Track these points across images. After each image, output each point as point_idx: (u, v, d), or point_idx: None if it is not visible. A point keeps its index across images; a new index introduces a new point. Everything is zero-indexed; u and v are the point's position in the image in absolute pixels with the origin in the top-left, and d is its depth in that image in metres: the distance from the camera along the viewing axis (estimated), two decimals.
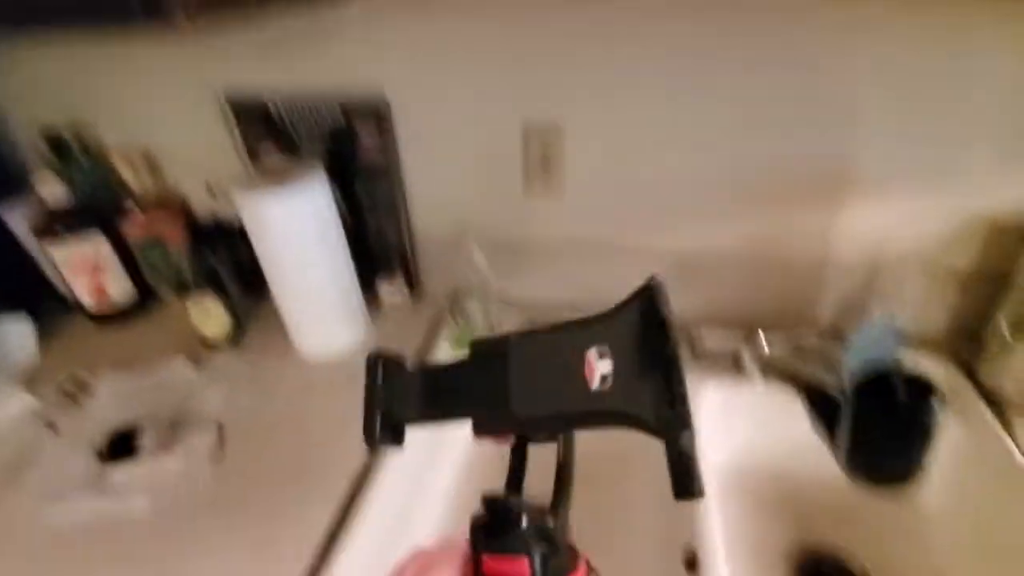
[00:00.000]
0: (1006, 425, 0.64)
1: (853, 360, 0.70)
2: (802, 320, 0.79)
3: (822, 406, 0.55)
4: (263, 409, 0.71)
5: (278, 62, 0.75)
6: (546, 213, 0.79)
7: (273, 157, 0.81)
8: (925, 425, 0.41)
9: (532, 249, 0.82)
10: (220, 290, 0.79)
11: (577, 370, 0.27)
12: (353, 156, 0.78)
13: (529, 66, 0.69)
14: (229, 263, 0.89)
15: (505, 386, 0.29)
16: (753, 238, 0.75)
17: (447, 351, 0.80)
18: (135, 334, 0.88)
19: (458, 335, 0.79)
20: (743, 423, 0.74)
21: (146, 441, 0.65)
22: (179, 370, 0.77)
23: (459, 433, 0.81)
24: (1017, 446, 0.61)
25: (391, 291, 0.82)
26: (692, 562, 0.54)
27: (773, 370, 0.73)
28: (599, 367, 0.27)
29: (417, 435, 0.33)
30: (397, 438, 0.33)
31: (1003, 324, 0.61)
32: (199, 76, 0.80)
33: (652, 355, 0.26)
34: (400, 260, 0.88)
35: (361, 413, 0.33)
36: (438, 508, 0.73)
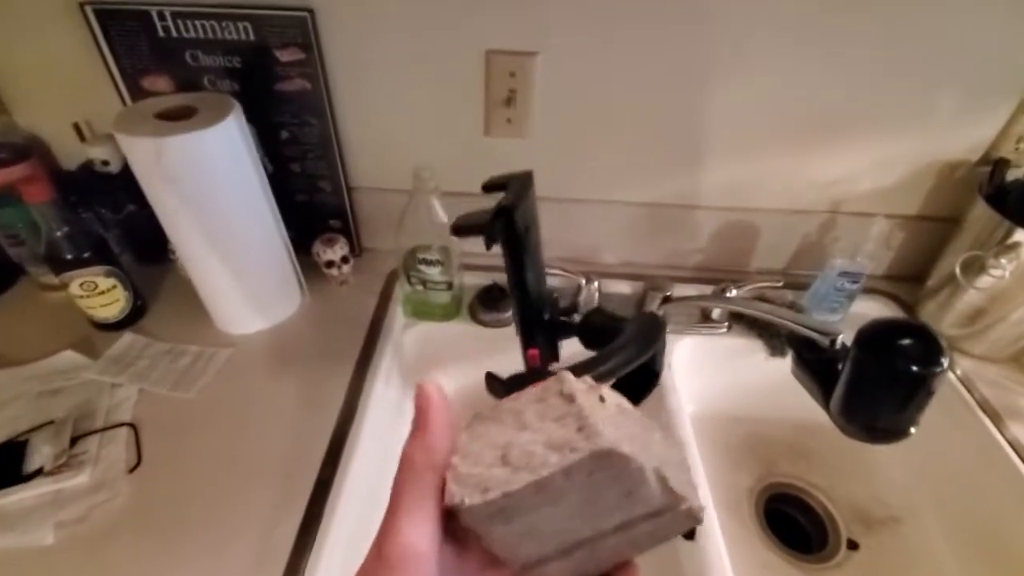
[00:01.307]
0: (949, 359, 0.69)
1: (813, 307, 0.73)
2: (765, 269, 0.80)
3: (807, 355, 0.54)
4: (183, 401, 0.59)
5: None
6: (509, 155, 0.70)
7: (162, 86, 0.64)
8: (929, 383, 0.41)
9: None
10: (109, 259, 0.64)
11: None
12: (269, 85, 0.64)
13: None
14: (115, 224, 0.72)
15: None
16: (724, 189, 0.72)
17: (400, 318, 0.72)
18: (2, 325, 0.69)
19: (414, 298, 0.70)
20: (711, 372, 0.74)
21: (38, 458, 0.52)
22: (69, 364, 0.62)
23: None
24: (959, 380, 0.67)
25: (329, 252, 0.71)
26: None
27: (741, 320, 0.73)
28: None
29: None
30: None
31: (958, 265, 0.64)
32: None
33: None
34: (338, 215, 0.76)
35: None
36: None
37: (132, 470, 0.53)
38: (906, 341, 0.43)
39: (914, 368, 0.42)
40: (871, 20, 0.58)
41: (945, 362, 0.42)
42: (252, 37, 0.60)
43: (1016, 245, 0.60)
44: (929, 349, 0.42)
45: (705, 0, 0.58)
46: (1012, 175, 0.66)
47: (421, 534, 0.21)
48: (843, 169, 0.70)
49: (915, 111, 0.64)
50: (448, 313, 0.72)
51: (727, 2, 0.58)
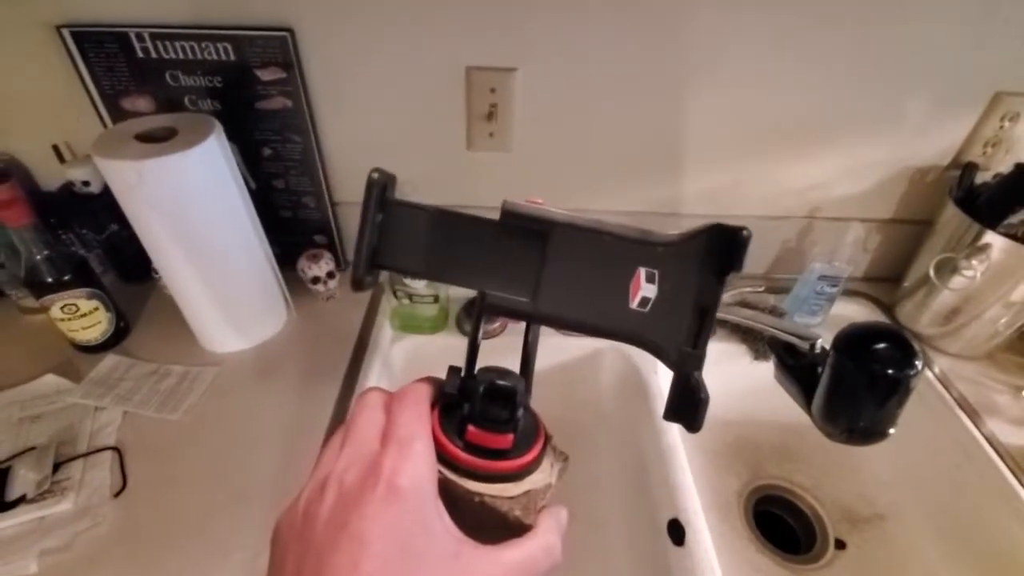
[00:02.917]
0: (925, 360, 0.71)
1: (795, 310, 0.74)
2: (747, 274, 0.81)
3: (788, 360, 0.55)
4: (168, 423, 0.59)
5: None
6: (492, 169, 0.71)
7: (143, 106, 0.64)
8: (906, 385, 0.42)
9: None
10: (90, 281, 0.63)
11: (620, 284, 0.26)
12: (250, 103, 0.64)
13: None
14: (97, 244, 0.72)
15: (536, 272, 0.26)
16: (704, 197, 0.74)
17: (388, 331, 0.72)
18: None
19: (401, 312, 0.70)
20: None
21: (21, 486, 0.51)
22: (50, 388, 0.61)
23: None
24: (937, 378, 0.68)
25: (315, 268, 0.71)
26: (677, 532, 0.54)
27: (725, 326, 0.74)
28: (644, 289, 0.26)
29: None
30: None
31: (931, 268, 0.65)
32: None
33: (698, 298, 0.25)
34: (322, 230, 0.76)
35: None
36: None
37: (117, 495, 0.52)
38: (881, 345, 0.44)
39: (889, 371, 0.43)
40: (842, 32, 0.60)
41: (919, 364, 0.43)
42: (232, 57, 0.60)
43: (986, 247, 0.62)
44: (903, 353, 0.43)
45: (680, 13, 0.59)
46: (980, 178, 0.68)
47: (431, 466, 0.22)
48: (819, 176, 0.71)
49: (886, 119, 0.66)
50: (436, 325, 0.72)
51: (701, 16, 0.59)
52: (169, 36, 0.59)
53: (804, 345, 0.54)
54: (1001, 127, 0.67)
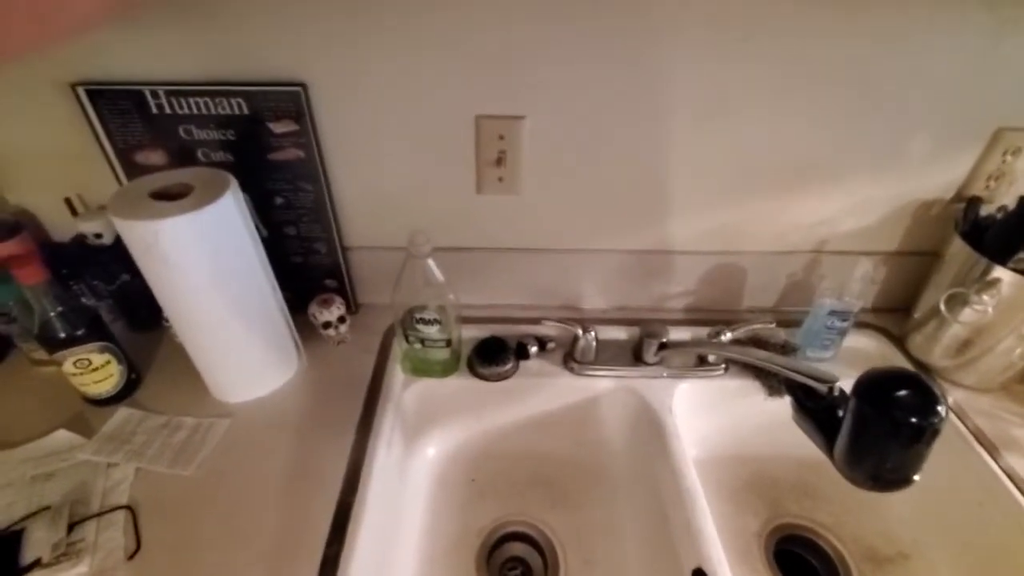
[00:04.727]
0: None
1: (807, 344, 0.74)
2: (756, 307, 0.81)
3: (806, 403, 0.55)
4: (181, 479, 0.58)
5: (151, 40, 0.59)
6: (502, 211, 0.72)
7: (156, 160, 0.65)
8: (931, 432, 0.42)
9: (485, 252, 0.75)
10: (103, 335, 0.63)
11: None
12: (262, 155, 0.65)
13: (484, 46, 0.60)
14: (107, 294, 0.72)
15: None
16: (710, 234, 0.74)
17: (400, 375, 0.72)
18: None
19: (412, 356, 0.70)
20: (712, 415, 0.74)
21: (36, 549, 0.50)
22: (63, 444, 0.60)
23: (425, 456, 0.73)
24: (952, 411, 0.68)
25: (326, 312, 0.71)
26: None
27: (737, 362, 0.74)
28: None
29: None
30: None
31: (941, 302, 0.65)
32: (41, 57, 0.60)
33: None
34: (333, 274, 0.76)
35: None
36: (415, 551, 0.66)
37: (131, 557, 0.51)
38: (902, 392, 0.44)
39: (912, 419, 0.43)
40: (844, 72, 0.61)
41: (942, 411, 0.43)
42: (246, 111, 0.61)
43: (996, 281, 0.62)
44: (926, 399, 0.43)
45: (683, 61, 0.60)
46: (985, 211, 0.69)
47: None
48: (824, 212, 0.72)
49: (889, 155, 0.67)
50: (447, 369, 0.72)
51: (704, 63, 0.60)
52: (183, 93, 0.60)
53: (822, 388, 0.54)
54: (1004, 161, 0.68)
